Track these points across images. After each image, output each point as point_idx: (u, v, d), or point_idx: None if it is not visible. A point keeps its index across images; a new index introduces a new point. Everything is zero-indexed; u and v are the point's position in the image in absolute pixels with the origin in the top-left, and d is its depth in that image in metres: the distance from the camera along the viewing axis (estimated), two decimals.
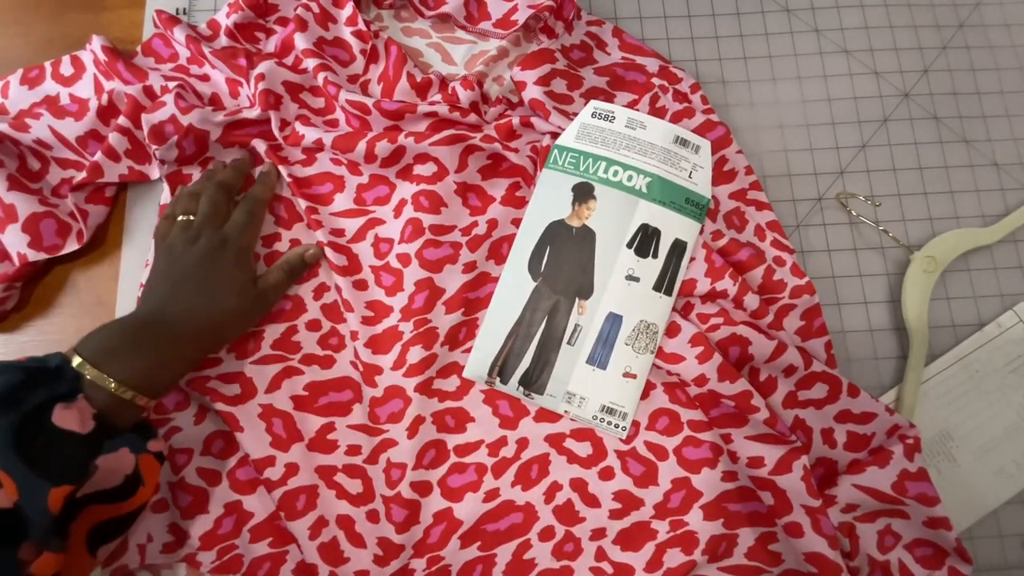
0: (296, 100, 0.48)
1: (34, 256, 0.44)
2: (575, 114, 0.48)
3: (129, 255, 0.48)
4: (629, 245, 0.45)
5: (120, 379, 0.35)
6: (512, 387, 0.45)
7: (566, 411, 0.44)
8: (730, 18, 0.54)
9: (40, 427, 0.32)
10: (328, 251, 0.45)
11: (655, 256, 0.45)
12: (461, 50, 0.51)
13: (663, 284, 0.45)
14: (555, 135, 0.47)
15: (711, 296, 0.45)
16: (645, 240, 0.45)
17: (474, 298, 0.46)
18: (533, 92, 0.48)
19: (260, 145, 0.47)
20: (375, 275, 0.46)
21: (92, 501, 0.35)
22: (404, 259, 0.46)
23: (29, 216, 0.44)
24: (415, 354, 0.44)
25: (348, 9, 0.49)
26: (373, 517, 0.43)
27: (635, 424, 0.44)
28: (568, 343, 0.45)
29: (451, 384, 0.45)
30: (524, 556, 0.43)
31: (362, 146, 0.46)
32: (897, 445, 0.42)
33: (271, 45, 0.50)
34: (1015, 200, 0.51)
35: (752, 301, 0.44)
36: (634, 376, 0.44)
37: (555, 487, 0.44)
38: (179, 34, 0.48)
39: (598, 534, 0.43)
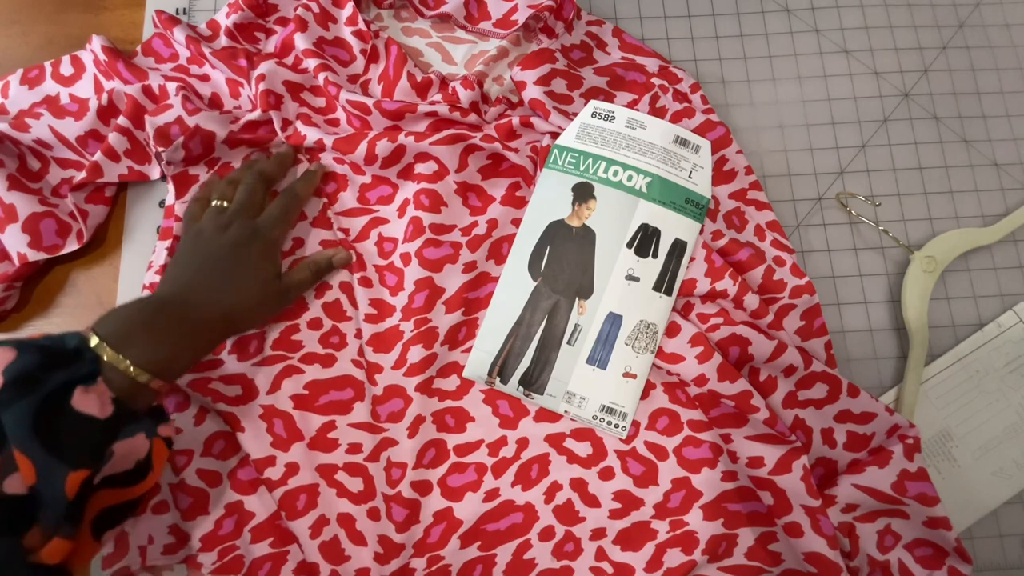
0: (297, 99, 0.48)
1: (34, 256, 0.45)
2: (575, 114, 0.48)
3: (129, 255, 0.48)
4: (629, 245, 0.45)
5: (138, 363, 0.34)
6: (512, 387, 0.45)
7: (566, 411, 0.44)
8: (730, 18, 0.54)
9: (60, 410, 0.31)
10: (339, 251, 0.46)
11: (655, 256, 0.45)
12: (461, 50, 0.51)
13: (663, 284, 0.45)
14: (555, 135, 0.47)
15: (711, 296, 0.45)
16: (645, 240, 0.46)
17: (474, 298, 0.46)
18: (533, 92, 0.48)
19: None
20: (379, 274, 0.46)
21: (103, 485, 0.34)
22: (405, 258, 0.46)
23: (29, 216, 0.44)
24: (415, 353, 0.44)
25: (348, 9, 0.49)
26: (374, 515, 0.43)
27: (635, 424, 0.44)
28: (568, 343, 0.45)
29: (451, 384, 0.45)
30: (524, 556, 0.43)
31: (362, 148, 0.46)
32: (897, 445, 0.42)
33: (271, 45, 0.50)
34: (1015, 200, 0.51)
35: (752, 301, 0.44)
36: (634, 376, 0.44)
37: (555, 487, 0.44)
38: (179, 34, 0.48)
39: (598, 534, 0.43)
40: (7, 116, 0.47)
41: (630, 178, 0.46)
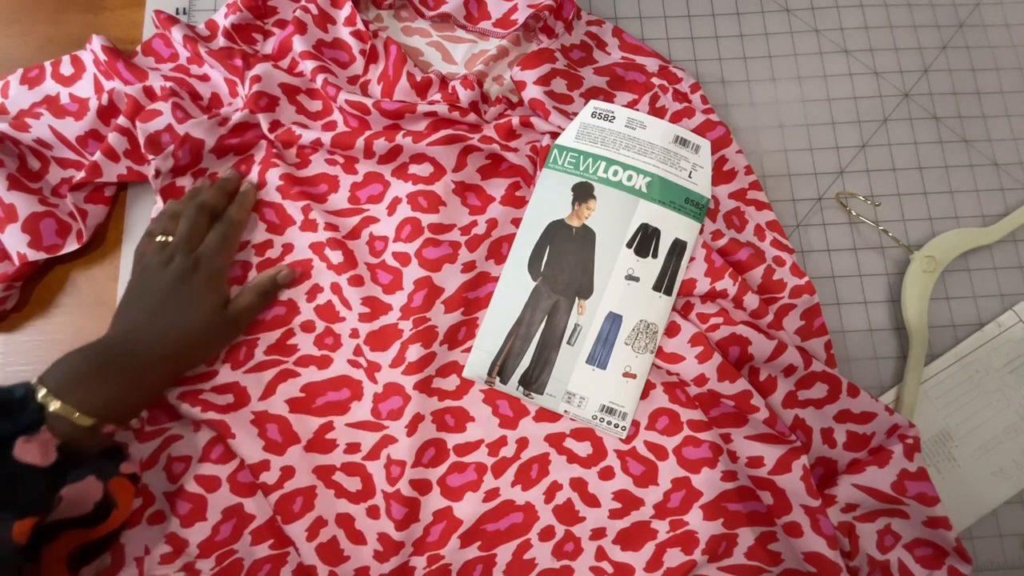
0: (293, 103, 0.48)
1: (34, 256, 0.45)
2: (575, 114, 0.48)
3: (129, 255, 0.48)
4: (629, 245, 0.45)
5: (84, 409, 0.35)
6: (512, 387, 0.45)
7: (566, 411, 0.44)
8: (730, 18, 0.54)
9: (2, 461, 0.32)
10: (327, 250, 0.45)
11: (655, 256, 0.45)
12: (461, 49, 0.51)
13: (663, 284, 0.45)
14: (555, 135, 0.47)
15: (711, 296, 0.45)
16: (645, 240, 0.46)
17: (473, 298, 0.46)
18: (533, 92, 0.48)
19: (259, 153, 0.47)
20: (371, 272, 0.46)
21: (66, 527, 0.35)
22: (404, 259, 0.46)
23: (29, 216, 0.44)
24: (414, 352, 0.44)
25: (346, 9, 0.49)
26: (373, 513, 0.43)
27: (635, 424, 0.44)
28: (568, 343, 0.45)
29: (451, 383, 0.45)
30: (524, 556, 0.43)
31: (360, 142, 0.46)
32: (897, 445, 0.42)
33: (269, 47, 0.50)
34: (1015, 200, 0.51)
35: (752, 301, 0.44)
36: (634, 376, 0.44)
37: (555, 487, 0.44)
38: (177, 34, 0.48)
39: (598, 534, 0.43)
40: (7, 116, 0.47)
41: (630, 178, 0.46)
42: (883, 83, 0.53)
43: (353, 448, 0.44)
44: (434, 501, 0.43)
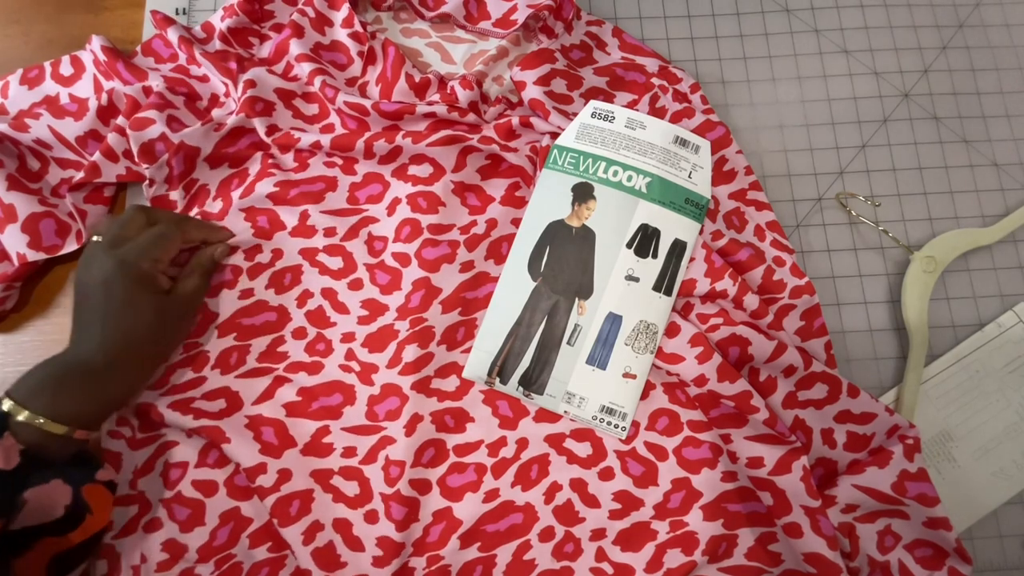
0: (289, 107, 0.48)
1: (33, 256, 0.45)
2: (575, 114, 0.48)
3: None
4: (629, 245, 0.45)
5: (49, 414, 0.35)
6: (512, 387, 0.45)
7: (566, 411, 0.44)
8: (730, 18, 0.54)
9: None
10: (320, 255, 0.45)
11: (655, 256, 0.45)
12: (460, 49, 0.51)
13: (663, 284, 0.45)
14: (555, 135, 0.47)
15: (711, 296, 0.45)
16: (645, 240, 0.45)
17: (472, 298, 0.46)
18: (533, 92, 0.48)
19: (253, 166, 0.47)
20: (370, 273, 0.46)
21: (40, 534, 0.35)
22: (403, 259, 0.46)
23: (29, 216, 0.44)
24: (410, 352, 0.44)
25: (344, 11, 0.49)
26: (372, 518, 0.42)
27: (635, 424, 0.44)
28: (568, 343, 0.45)
29: (450, 384, 0.45)
30: (524, 557, 0.43)
31: (360, 144, 0.46)
32: (897, 445, 0.42)
33: (265, 50, 0.50)
34: (1015, 200, 0.51)
35: (752, 301, 0.44)
36: (634, 376, 0.44)
37: (555, 487, 0.44)
38: (172, 36, 0.48)
39: (598, 534, 0.43)
40: (7, 116, 0.47)
41: (630, 178, 0.46)
42: (883, 83, 0.53)
43: (350, 452, 0.43)
44: (434, 501, 0.43)
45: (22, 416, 0.35)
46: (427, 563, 0.42)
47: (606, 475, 0.44)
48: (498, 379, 0.45)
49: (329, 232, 0.46)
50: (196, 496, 0.42)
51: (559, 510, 0.43)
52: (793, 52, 0.54)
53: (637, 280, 0.45)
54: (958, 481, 0.46)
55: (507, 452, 0.44)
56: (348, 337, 0.45)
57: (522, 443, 0.44)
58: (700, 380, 0.43)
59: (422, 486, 0.43)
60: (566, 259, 0.46)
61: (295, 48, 0.48)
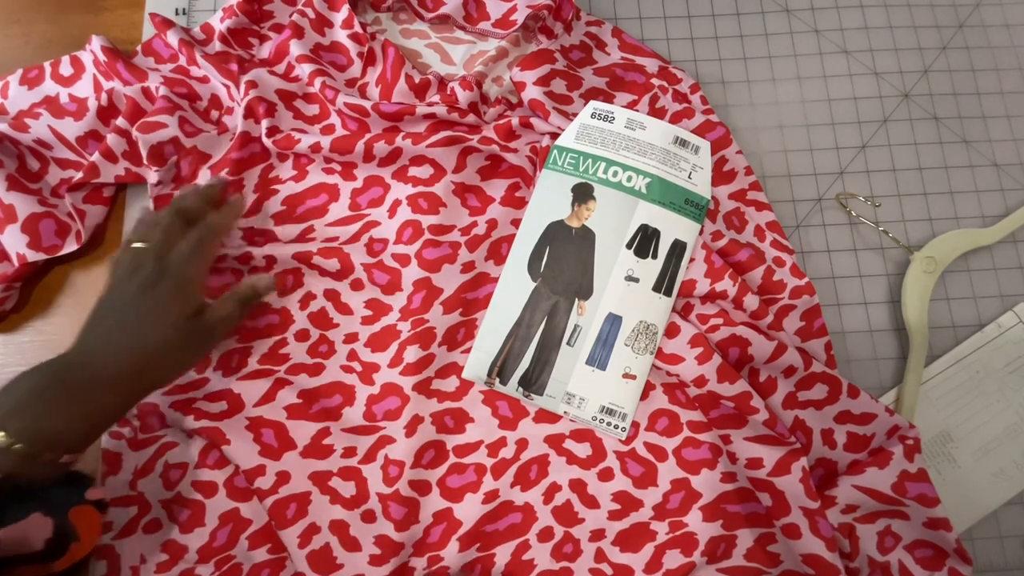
0: (290, 108, 0.48)
1: (33, 256, 0.45)
2: (575, 114, 0.48)
3: None
4: (629, 246, 0.45)
5: (28, 439, 0.32)
6: (512, 388, 0.45)
7: (565, 412, 0.44)
8: (730, 18, 0.54)
9: None
10: (318, 258, 0.45)
11: (655, 257, 0.45)
12: (460, 50, 0.51)
13: (663, 285, 0.45)
14: (554, 135, 0.47)
15: (711, 297, 0.45)
16: (645, 241, 0.45)
17: (472, 298, 0.46)
18: (532, 92, 0.48)
19: (250, 179, 0.47)
20: (368, 273, 0.46)
21: (16, 563, 0.32)
22: (403, 260, 0.46)
23: (28, 216, 0.44)
24: (412, 353, 0.44)
25: (343, 12, 0.49)
26: (369, 517, 0.42)
27: (634, 425, 0.44)
28: (568, 344, 0.45)
29: (450, 385, 0.45)
30: (523, 557, 0.43)
31: (360, 146, 0.46)
32: (897, 446, 0.42)
33: (265, 51, 0.50)
34: (1015, 200, 0.51)
35: (752, 302, 0.44)
36: (634, 377, 0.44)
37: (554, 488, 0.44)
38: (172, 37, 0.48)
39: (597, 535, 0.43)
40: (7, 116, 0.47)
41: (630, 179, 0.46)
42: (883, 83, 0.53)
43: (349, 452, 0.43)
44: (434, 502, 0.43)
45: None
46: (427, 563, 0.42)
47: (605, 476, 0.44)
48: (498, 379, 0.45)
49: (329, 240, 0.46)
50: (196, 497, 0.42)
51: (558, 510, 0.43)
52: (793, 52, 0.54)
53: (637, 280, 0.45)
54: (958, 481, 0.46)
55: (507, 453, 0.44)
56: (351, 338, 0.45)
57: (522, 444, 0.44)
58: (700, 381, 0.43)
59: (422, 487, 0.43)
60: (566, 259, 0.46)
61: (295, 49, 0.48)
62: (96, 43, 0.48)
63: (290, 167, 0.47)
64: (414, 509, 0.43)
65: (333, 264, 0.45)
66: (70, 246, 0.46)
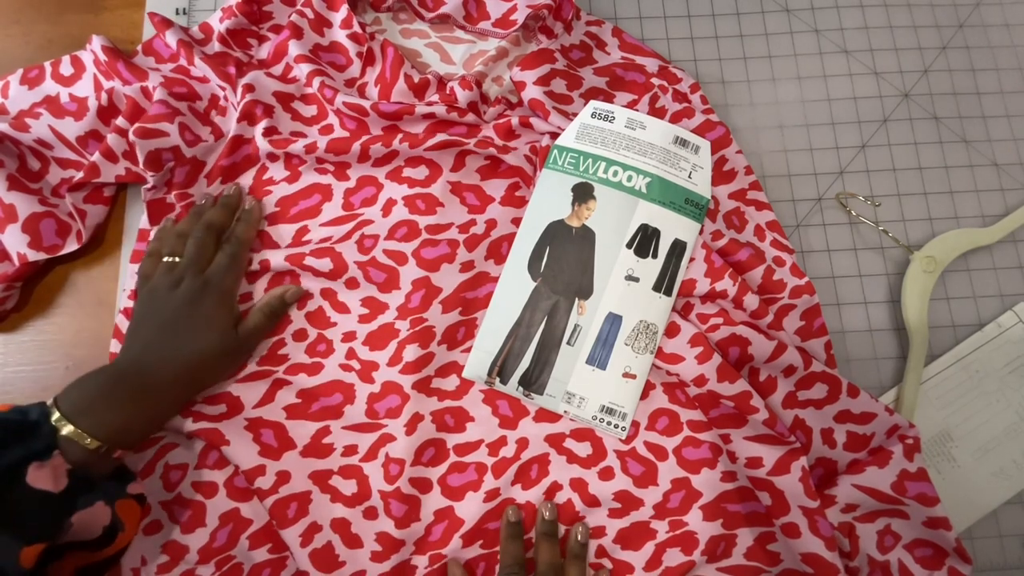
0: (288, 110, 0.48)
1: (34, 256, 0.45)
2: (575, 114, 0.48)
3: (128, 255, 0.48)
4: (629, 245, 0.45)
5: (96, 434, 0.35)
6: (512, 387, 0.45)
7: (566, 411, 0.44)
8: (730, 18, 0.54)
9: (14, 486, 0.33)
10: (310, 259, 0.45)
11: (655, 256, 0.45)
12: (460, 50, 0.51)
13: (663, 284, 0.45)
14: (554, 135, 0.47)
15: (711, 296, 0.45)
16: (645, 240, 0.45)
17: (472, 298, 0.46)
18: (532, 92, 0.48)
19: (245, 181, 0.47)
20: (362, 271, 0.45)
21: (73, 548, 0.35)
22: (400, 258, 0.46)
23: (29, 216, 0.44)
24: (411, 352, 0.44)
25: (342, 12, 0.49)
26: (370, 514, 0.43)
27: (635, 424, 0.44)
28: (568, 343, 0.45)
29: (451, 384, 0.45)
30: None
31: (356, 147, 0.46)
32: (897, 445, 0.42)
33: (264, 52, 0.50)
34: (1015, 200, 0.51)
35: (752, 301, 0.44)
36: (634, 376, 0.44)
37: (555, 487, 0.44)
38: (171, 38, 0.48)
39: (597, 533, 0.43)
40: (7, 116, 0.47)
41: (630, 178, 0.46)
42: (883, 83, 0.53)
43: (350, 450, 0.44)
44: (434, 500, 0.43)
45: (66, 430, 0.35)
46: (429, 562, 0.42)
47: (606, 475, 0.44)
48: (498, 379, 0.45)
49: (323, 240, 0.46)
50: (196, 497, 0.42)
51: (559, 509, 0.43)
52: (793, 52, 0.54)
53: (637, 280, 0.45)
54: (958, 481, 0.46)
55: (507, 452, 0.44)
56: (349, 336, 0.45)
57: (522, 443, 0.44)
58: (700, 380, 0.43)
59: (423, 485, 0.43)
60: (566, 259, 0.46)
61: (294, 49, 0.48)
62: (96, 43, 0.48)
63: (283, 168, 0.48)
64: (415, 507, 0.43)
65: (326, 264, 0.45)
66: (71, 246, 0.46)
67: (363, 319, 0.45)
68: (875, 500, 0.42)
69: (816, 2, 0.55)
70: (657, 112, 0.49)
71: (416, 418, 0.43)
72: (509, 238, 0.47)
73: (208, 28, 0.49)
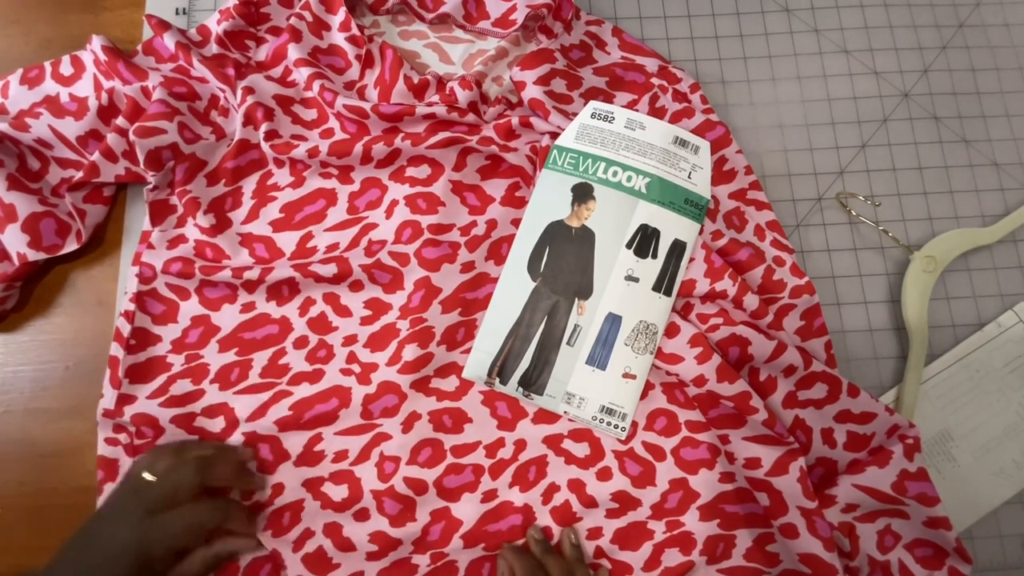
0: (288, 113, 0.48)
1: (34, 256, 0.45)
2: (574, 114, 0.48)
3: (128, 255, 0.48)
4: (628, 245, 0.45)
5: None
6: (512, 387, 0.45)
7: (565, 411, 0.44)
8: (730, 18, 0.54)
9: None
10: (316, 266, 0.45)
11: (654, 256, 0.45)
12: (459, 49, 0.51)
13: (662, 284, 0.45)
14: (554, 135, 0.47)
15: (711, 296, 0.45)
16: (644, 240, 0.45)
17: (472, 298, 0.46)
18: (532, 92, 0.48)
19: (248, 185, 0.47)
20: (367, 273, 0.45)
21: None
22: (403, 259, 0.46)
23: (29, 216, 0.44)
24: (410, 352, 0.44)
25: (341, 15, 0.49)
26: (361, 516, 0.43)
27: (633, 424, 0.44)
28: (568, 343, 0.45)
29: (450, 384, 0.45)
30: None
31: (358, 148, 0.46)
32: (897, 445, 0.42)
33: (262, 54, 0.50)
34: (1015, 200, 0.51)
35: (752, 301, 0.44)
36: (633, 376, 0.44)
37: (553, 488, 0.44)
38: (169, 40, 0.48)
39: (595, 533, 0.43)
40: (7, 116, 0.47)
41: (629, 179, 0.46)
42: (883, 83, 0.53)
43: (341, 456, 0.44)
44: (431, 501, 0.43)
45: None
46: (431, 560, 0.42)
47: (604, 475, 0.44)
48: (498, 379, 0.45)
49: (331, 248, 0.46)
50: None
51: (557, 511, 0.43)
52: (793, 52, 0.54)
53: (637, 280, 0.45)
54: (958, 481, 0.46)
55: (505, 453, 0.44)
56: (350, 340, 0.45)
57: (520, 444, 0.44)
58: (699, 380, 0.43)
59: (418, 486, 0.43)
60: (566, 259, 0.46)
61: (293, 53, 0.48)
62: (96, 43, 0.48)
63: (287, 174, 0.47)
64: (410, 507, 0.43)
65: (330, 269, 0.45)
66: (70, 245, 0.46)
67: (365, 321, 0.45)
68: (875, 500, 0.42)
69: (816, 2, 0.55)
70: (657, 112, 0.49)
71: (413, 416, 0.44)
72: (509, 239, 0.47)
73: (206, 30, 0.49)
